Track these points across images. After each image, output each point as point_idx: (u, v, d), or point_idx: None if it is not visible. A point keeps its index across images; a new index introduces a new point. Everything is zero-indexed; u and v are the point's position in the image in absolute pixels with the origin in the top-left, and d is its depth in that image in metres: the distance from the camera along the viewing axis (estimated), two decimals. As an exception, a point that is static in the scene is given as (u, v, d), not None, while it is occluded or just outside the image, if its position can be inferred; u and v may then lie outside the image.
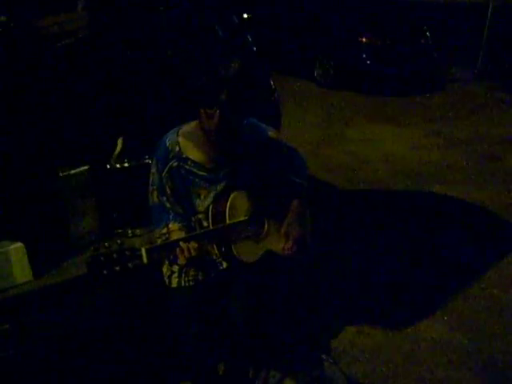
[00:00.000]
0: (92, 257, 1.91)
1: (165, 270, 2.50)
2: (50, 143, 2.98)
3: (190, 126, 2.38)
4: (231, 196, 2.33)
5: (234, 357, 2.58)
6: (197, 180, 2.36)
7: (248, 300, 2.43)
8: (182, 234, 2.26)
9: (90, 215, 3.00)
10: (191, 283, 2.45)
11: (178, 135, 2.38)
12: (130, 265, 1.97)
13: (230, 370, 2.63)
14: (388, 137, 6.96)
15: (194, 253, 2.12)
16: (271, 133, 2.51)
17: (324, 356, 2.77)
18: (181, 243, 2.11)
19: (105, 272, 1.92)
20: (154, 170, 2.40)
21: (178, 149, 2.35)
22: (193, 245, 2.12)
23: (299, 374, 2.59)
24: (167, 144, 2.37)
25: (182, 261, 2.13)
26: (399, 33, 9.22)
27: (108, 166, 3.10)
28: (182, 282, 2.45)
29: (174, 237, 2.23)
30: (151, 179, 2.41)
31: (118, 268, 1.94)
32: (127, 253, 1.97)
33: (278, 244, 2.48)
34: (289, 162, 2.54)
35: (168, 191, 2.36)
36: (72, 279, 2.64)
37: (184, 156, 2.35)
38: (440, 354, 3.14)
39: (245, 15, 10.16)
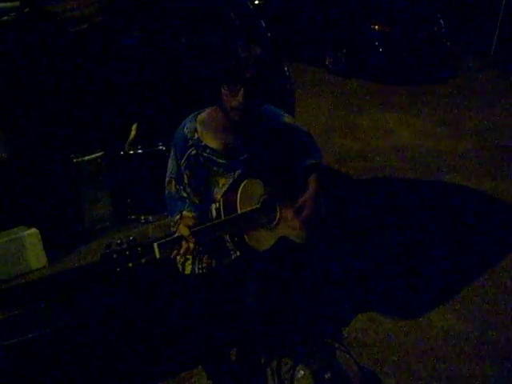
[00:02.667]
0: (105, 254, 1.92)
1: (178, 257, 2.50)
2: (64, 129, 2.98)
3: (207, 112, 2.37)
4: (241, 184, 2.32)
5: (246, 344, 2.58)
6: (215, 168, 2.35)
7: (261, 288, 2.43)
8: (192, 221, 2.25)
9: (104, 201, 3.00)
10: (204, 271, 2.45)
11: (195, 122, 2.37)
12: (142, 260, 1.97)
13: (242, 356, 2.64)
14: (399, 125, 6.92)
15: (196, 246, 2.12)
16: (288, 118, 2.51)
17: (336, 344, 2.77)
18: (188, 237, 2.11)
19: (118, 269, 1.93)
20: (172, 158, 2.39)
21: (196, 136, 2.34)
22: (197, 241, 2.12)
23: (311, 362, 2.59)
24: (185, 132, 2.36)
25: (183, 251, 2.13)
26: (412, 20, 9.12)
27: (122, 152, 3.09)
28: (196, 270, 2.45)
29: (183, 225, 2.21)
30: (169, 168, 2.40)
31: (130, 265, 1.95)
32: (139, 249, 1.97)
33: (291, 230, 2.47)
34: (305, 146, 2.53)
35: (186, 180, 2.36)
36: (86, 265, 2.64)
37: (203, 144, 2.34)
38: (451, 344, 3.14)
39: (256, 1, 10.13)
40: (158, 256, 2.01)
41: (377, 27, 8.80)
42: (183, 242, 2.11)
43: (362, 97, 8.09)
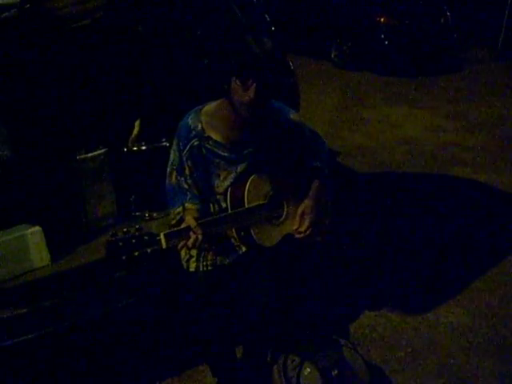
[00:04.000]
0: (110, 242, 1.90)
1: (183, 254, 2.48)
2: (67, 126, 2.96)
3: (213, 105, 2.35)
4: (250, 179, 2.30)
5: (252, 341, 2.56)
6: (217, 160, 2.33)
7: (267, 284, 2.40)
8: (196, 214, 2.24)
9: (107, 198, 2.98)
10: (209, 268, 2.43)
11: (200, 113, 2.35)
12: (148, 250, 1.95)
13: (248, 354, 2.62)
14: (406, 118, 6.88)
15: (205, 239, 2.10)
16: (294, 115, 2.47)
17: (343, 340, 2.74)
18: (195, 228, 2.09)
19: (123, 257, 1.91)
20: (174, 148, 2.37)
21: (200, 127, 2.32)
22: (205, 232, 2.10)
23: (318, 359, 2.56)
24: (189, 122, 2.33)
25: (191, 246, 2.11)
26: (418, 12, 9.06)
27: (125, 149, 3.07)
28: (201, 267, 2.43)
29: (190, 216, 2.19)
30: (171, 158, 2.38)
31: (136, 253, 1.93)
32: (146, 238, 1.95)
33: (293, 231, 2.45)
34: (310, 145, 2.50)
35: (187, 171, 2.33)
36: (90, 263, 2.63)
37: (206, 135, 2.31)
38: (460, 339, 3.12)
39: (261, -5, 10.03)
40: (164, 246, 1.99)
41: (382, 20, 8.75)
42: (191, 233, 2.08)
43: (367, 90, 8.04)
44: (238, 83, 2.14)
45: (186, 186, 2.35)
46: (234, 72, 2.14)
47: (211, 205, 2.40)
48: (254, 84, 2.11)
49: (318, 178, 2.47)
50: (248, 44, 2.15)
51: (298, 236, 2.43)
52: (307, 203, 2.43)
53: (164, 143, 3.01)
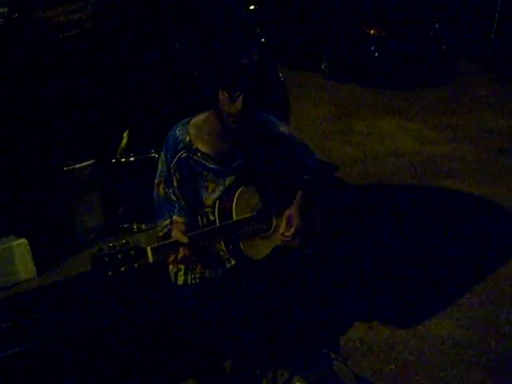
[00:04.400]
0: (96, 257, 1.87)
1: (171, 267, 2.45)
2: (54, 137, 2.93)
3: (201, 117, 2.33)
4: (238, 191, 2.28)
5: (241, 355, 2.53)
6: (205, 172, 2.31)
7: (255, 298, 2.38)
8: (184, 227, 2.21)
9: (95, 210, 2.95)
10: (197, 281, 2.40)
11: (188, 125, 2.33)
12: (135, 265, 1.93)
13: (237, 368, 2.59)
14: (396, 130, 6.89)
15: (192, 253, 2.08)
16: (283, 128, 2.46)
17: (333, 354, 2.72)
18: (182, 242, 2.07)
19: (110, 273, 1.88)
20: (162, 160, 2.35)
21: (188, 139, 2.30)
22: (192, 245, 2.07)
23: (308, 373, 2.54)
24: (177, 134, 2.31)
25: (179, 258, 2.08)
26: (407, 24, 9.11)
27: (113, 160, 3.04)
28: (189, 280, 2.40)
29: (177, 230, 2.17)
30: (159, 170, 2.36)
31: (123, 269, 1.90)
32: (132, 252, 1.92)
33: (280, 235, 2.43)
34: (299, 158, 2.49)
35: (175, 183, 2.31)
36: (77, 276, 2.59)
37: (194, 147, 2.30)
38: (450, 352, 3.11)
39: (251, 7, 10.10)
40: (151, 260, 1.96)
41: (372, 31, 8.79)
42: (180, 248, 2.06)
43: (358, 102, 8.06)
44: (226, 94, 2.13)
45: (173, 198, 2.33)
46: (221, 83, 2.13)
47: (199, 217, 2.37)
48: (242, 95, 2.10)
49: (304, 188, 2.46)
50: (236, 55, 2.15)
51: (285, 240, 2.41)
52: (292, 209, 2.41)
53: (153, 154, 2.99)
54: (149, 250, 1.96)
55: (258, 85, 2.13)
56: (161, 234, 2.27)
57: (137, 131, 3.10)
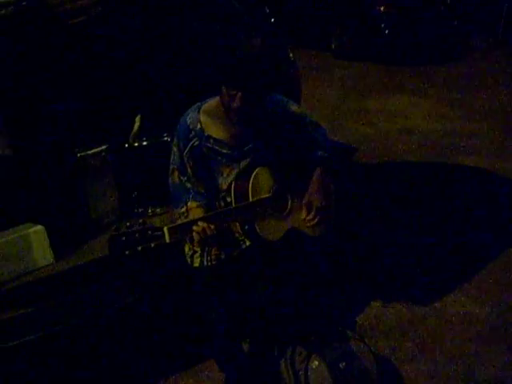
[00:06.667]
0: (113, 237, 1.88)
1: (187, 249, 2.47)
2: (67, 123, 2.93)
3: (211, 103, 2.33)
4: (253, 173, 2.28)
5: (258, 335, 2.54)
6: (219, 158, 2.31)
7: (271, 278, 2.38)
8: (201, 212, 2.22)
9: (110, 195, 2.96)
10: (214, 262, 2.41)
11: (199, 112, 2.32)
12: (152, 244, 1.94)
13: (255, 348, 2.60)
14: (408, 107, 6.84)
15: (209, 232, 2.08)
16: (294, 107, 2.45)
17: (350, 332, 2.72)
18: (199, 222, 2.07)
19: (127, 252, 1.89)
20: (175, 149, 2.35)
21: (199, 127, 2.30)
22: (209, 225, 2.08)
23: (326, 351, 2.54)
24: (188, 122, 2.31)
25: (196, 240, 2.09)
26: (418, 1, 8.99)
27: (126, 145, 3.05)
28: (205, 262, 2.41)
29: (193, 215, 2.19)
30: (172, 159, 2.37)
31: (139, 248, 1.91)
32: (149, 232, 1.94)
33: (302, 221, 2.43)
34: (311, 135, 2.47)
35: (189, 171, 2.32)
36: (94, 261, 2.61)
37: (206, 134, 2.29)
38: (468, 329, 3.09)
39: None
40: (167, 240, 1.98)
41: (383, 8, 8.69)
42: (194, 227, 2.06)
43: (369, 80, 8.00)
44: (225, 89, 2.13)
45: (188, 185, 2.34)
46: (220, 79, 2.13)
47: (216, 202, 2.38)
48: (240, 93, 2.09)
49: (321, 166, 2.45)
50: (235, 47, 2.13)
51: (307, 225, 2.41)
52: (311, 190, 2.41)
53: (165, 138, 3.00)
54: (166, 229, 1.97)
55: (259, 76, 2.10)
56: (179, 221, 2.28)
57: (149, 115, 3.10)
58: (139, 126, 3.08)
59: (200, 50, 3.36)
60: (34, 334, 2.39)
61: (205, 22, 3.46)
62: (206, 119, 2.31)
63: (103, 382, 2.69)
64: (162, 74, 3.22)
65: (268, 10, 3.54)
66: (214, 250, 2.41)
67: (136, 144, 3.05)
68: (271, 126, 2.36)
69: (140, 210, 3.05)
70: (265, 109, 2.30)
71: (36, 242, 2.59)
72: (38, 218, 2.66)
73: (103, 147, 2.92)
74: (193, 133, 2.30)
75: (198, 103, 2.37)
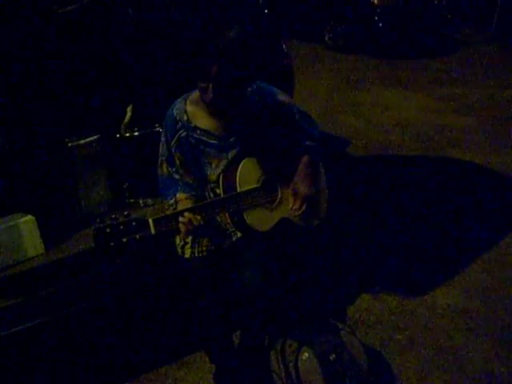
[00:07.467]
0: (97, 228, 1.87)
1: (177, 240, 2.47)
2: (58, 113, 2.91)
3: (197, 93, 2.31)
4: (241, 163, 2.28)
5: (249, 326, 2.54)
6: (207, 149, 2.30)
7: (263, 269, 2.38)
8: (190, 204, 2.21)
9: (101, 185, 2.95)
10: (204, 253, 2.41)
11: (185, 103, 2.32)
12: (137, 236, 1.93)
13: (246, 339, 2.60)
14: (400, 100, 6.84)
15: (196, 223, 2.07)
16: (281, 96, 2.43)
17: (340, 324, 2.73)
18: (185, 213, 2.06)
19: (111, 244, 1.88)
20: (162, 140, 2.36)
21: (185, 118, 2.29)
22: (195, 216, 2.07)
23: (316, 343, 2.55)
24: (175, 114, 2.30)
25: (183, 232, 2.08)
26: (412, -7, 8.98)
27: (118, 135, 3.03)
28: (196, 253, 2.41)
29: (182, 207, 2.18)
30: (160, 150, 2.37)
31: (125, 240, 1.91)
32: (134, 224, 1.93)
33: (292, 212, 2.43)
34: (300, 125, 2.46)
35: (177, 162, 2.31)
36: (84, 251, 2.60)
37: (192, 125, 2.29)
38: (458, 322, 3.11)
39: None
40: (153, 232, 1.98)
41: (376, 1, 8.67)
42: (184, 219, 2.05)
43: (362, 73, 7.99)
44: (198, 82, 2.12)
45: (177, 177, 2.34)
46: (192, 70, 2.12)
47: (206, 194, 2.37)
48: (210, 85, 2.08)
49: (308, 154, 2.44)
50: (205, 39, 2.10)
51: (295, 215, 2.41)
52: (297, 179, 2.41)
53: (157, 128, 2.97)
54: (151, 221, 1.97)
55: (233, 69, 2.06)
56: (168, 213, 2.28)
57: (141, 105, 3.09)
58: (131, 116, 3.06)
59: (189, 39, 3.34)
60: (24, 325, 2.38)
61: (193, 12, 3.45)
62: (193, 110, 2.30)
63: (92, 373, 2.68)
64: (154, 64, 3.20)
65: (262, 1, 3.52)
66: (204, 241, 2.41)
67: (127, 134, 3.03)
68: (258, 116, 2.34)
69: (131, 201, 3.03)
70: (247, 99, 2.28)
71: (26, 232, 2.57)
72: (28, 208, 2.64)
73: (94, 137, 2.90)
74: (180, 124, 2.29)
75: (185, 94, 2.36)
